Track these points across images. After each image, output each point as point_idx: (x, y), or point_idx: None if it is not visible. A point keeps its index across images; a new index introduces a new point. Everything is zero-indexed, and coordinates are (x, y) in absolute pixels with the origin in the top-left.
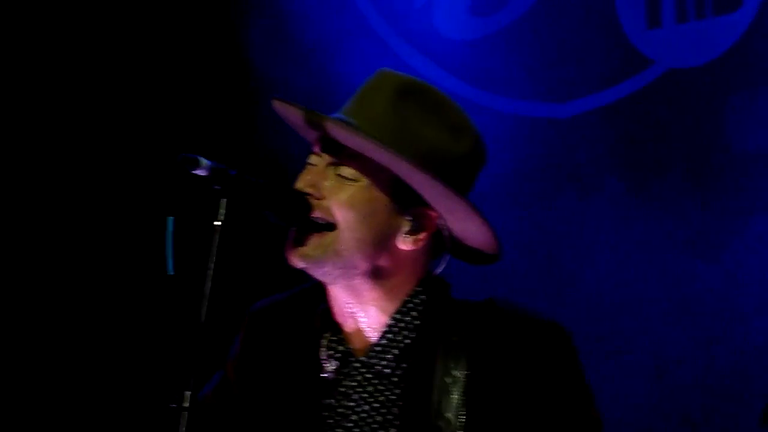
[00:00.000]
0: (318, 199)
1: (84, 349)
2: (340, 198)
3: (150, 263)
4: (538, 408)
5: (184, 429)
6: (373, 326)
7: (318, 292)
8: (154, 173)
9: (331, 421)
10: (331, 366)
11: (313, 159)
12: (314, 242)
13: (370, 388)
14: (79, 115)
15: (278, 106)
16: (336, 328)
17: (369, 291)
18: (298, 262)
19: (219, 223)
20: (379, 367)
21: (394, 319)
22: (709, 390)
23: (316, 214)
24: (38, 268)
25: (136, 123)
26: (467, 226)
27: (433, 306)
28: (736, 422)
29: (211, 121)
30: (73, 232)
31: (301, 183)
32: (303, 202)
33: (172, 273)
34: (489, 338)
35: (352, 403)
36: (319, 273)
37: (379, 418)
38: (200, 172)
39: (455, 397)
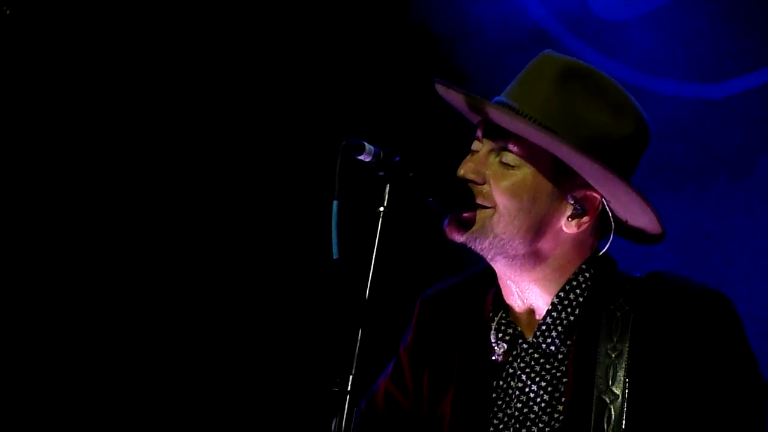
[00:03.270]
0: (480, 185)
1: (245, 333)
2: (503, 185)
3: (317, 248)
4: (702, 376)
5: (347, 412)
6: (540, 306)
7: (488, 277)
8: (321, 158)
9: (501, 402)
10: (500, 349)
11: (475, 145)
12: (474, 220)
13: (537, 368)
14: (246, 96)
15: (440, 89)
16: (506, 310)
17: (532, 271)
18: (457, 237)
19: (383, 208)
20: (545, 346)
21: (558, 297)
22: None
23: (478, 200)
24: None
25: (307, 106)
26: (630, 208)
27: (597, 283)
28: None
29: (382, 106)
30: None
31: (464, 170)
32: (465, 191)
33: (337, 257)
34: (652, 310)
35: (520, 384)
36: (478, 247)
37: (546, 397)
38: (365, 158)
39: (620, 370)
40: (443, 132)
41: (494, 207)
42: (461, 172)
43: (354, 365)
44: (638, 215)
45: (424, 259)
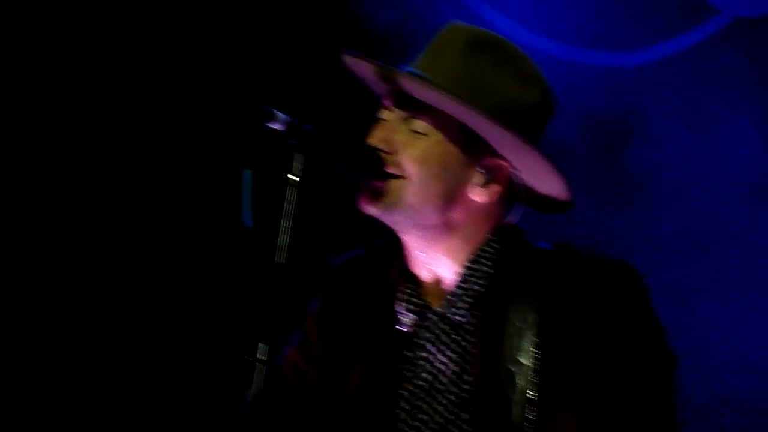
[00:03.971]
0: (390, 154)
1: (157, 300)
2: (413, 153)
3: (227, 216)
4: (610, 345)
5: (259, 381)
6: (448, 277)
7: (395, 247)
8: (231, 126)
9: (409, 373)
10: (407, 319)
11: (384, 114)
12: (386, 191)
13: (445, 339)
14: (159, 61)
15: (349, 60)
16: (413, 280)
17: (442, 242)
18: (371, 210)
19: (294, 177)
20: (454, 317)
21: (467, 267)
22: None
23: (389, 169)
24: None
25: (216, 74)
26: (539, 175)
27: (506, 253)
28: None
29: (290, 74)
30: (146, 181)
31: (374, 139)
32: (376, 158)
33: (249, 225)
34: (559, 281)
35: (428, 354)
36: (390, 220)
37: (455, 368)
38: (276, 126)
39: (529, 341)
40: (354, 100)
41: (405, 176)
42: (372, 140)
43: (267, 334)
44: (547, 182)
45: (336, 228)
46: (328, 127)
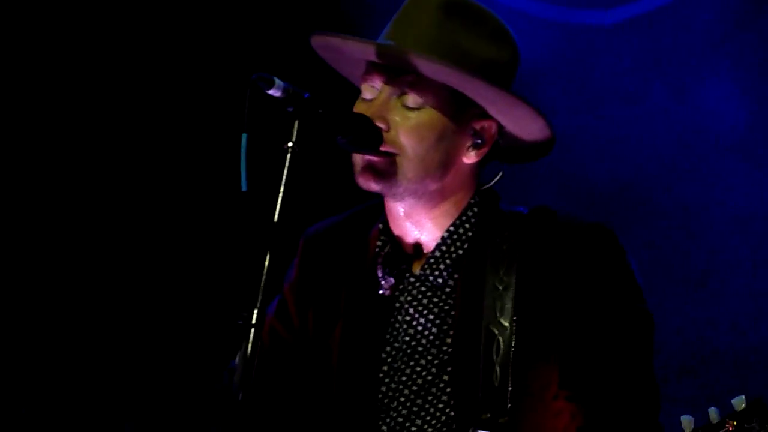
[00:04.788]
0: (386, 131)
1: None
2: (409, 128)
3: (226, 180)
4: (589, 304)
5: (251, 345)
6: (428, 240)
7: (373, 213)
8: (230, 91)
9: (389, 336)
10: (387, 283)
11: (369, 92)
12: (386, 168)
13: (425, 301)
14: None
15: (318, 42)
16: (393, 244)
17: (435, 208)
18: (372, 186)
19: (291, 144)
20: (433, 278)
21: (448, 231)
22: None
23: (386, 147)
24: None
25: (219, 41)
26: (522, 124)
27: (485, 217)
28: None
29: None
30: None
31: (369, 116)
32: (375, 130)
33: (245, 189)
34: (537, 243)
35: (408, 317)
36: (390, 194)
37: (434, 330)
38: (274, 93)
39: (508, 301)
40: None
41: (402, 152)
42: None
43: (259, 299)
44: (532, 128)
45: (327, 196)
46: (327, 97)
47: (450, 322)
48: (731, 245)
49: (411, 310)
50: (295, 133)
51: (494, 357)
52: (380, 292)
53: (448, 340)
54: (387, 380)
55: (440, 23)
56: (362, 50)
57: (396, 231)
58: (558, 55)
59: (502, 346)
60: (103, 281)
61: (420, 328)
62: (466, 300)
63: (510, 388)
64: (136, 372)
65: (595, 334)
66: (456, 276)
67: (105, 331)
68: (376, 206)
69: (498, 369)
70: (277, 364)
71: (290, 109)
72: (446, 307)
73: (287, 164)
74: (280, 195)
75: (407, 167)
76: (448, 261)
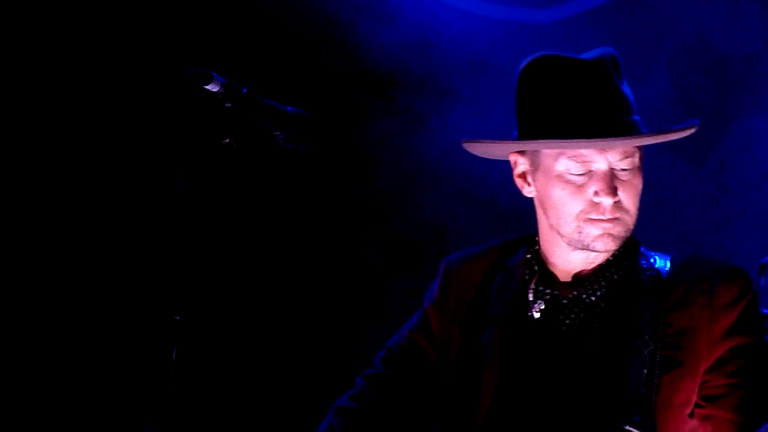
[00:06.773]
0: (617, 201)
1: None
2: (635, 191)
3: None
4: (728, 335)
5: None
6: (588, 265)
7: (515, 244)
8: (167, 87)
9: (543, 360)
10: (538, 306)
11: (596, 163)
12: (618, 232)
13: (577, 321)
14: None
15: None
16: (544, 271)
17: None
18: (612, 246)
19: (228, 140)
20: (586, 297)
21: (613, 256)
22: None
23: (618, 215)
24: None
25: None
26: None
27: (634, 248)
28: None
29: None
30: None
31: (603, 194)
32: (310, 125)
33: (180, 185)
34: (682, 281)
35: (560, 338)
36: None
37: (587, 345)
38: (212, 88)
39: (655, 324)
40: (292, 66)
41: (631, 213)
42: (599, 198)
43: (193, 297)
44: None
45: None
46: (265, 92)
47: (601, 339)
48: None
49: (563, 328)
50: (232, 129)
51: (642, 371)
52: (530, 314)
53: (600, 356)
54: (539, 395)
55: (621, 83)
56: (589, 147)
57: (552, 259)
58: (503, 52)
59: (648, 362)
60: (106, 281)
61: (572, 348)
62: (616, 319)
63: (654, 397)
64: (146, 371)
65: (733, 362)
66: (608, 297)
67: (108, 331)
68: (517, 240)
69: (645, 382)
70: (413, 369)
71: (228, 105)
72: (596, 325)
73: (224, 160)
74: (216, 192)
75: (632, 223)
76: (603, 283)
